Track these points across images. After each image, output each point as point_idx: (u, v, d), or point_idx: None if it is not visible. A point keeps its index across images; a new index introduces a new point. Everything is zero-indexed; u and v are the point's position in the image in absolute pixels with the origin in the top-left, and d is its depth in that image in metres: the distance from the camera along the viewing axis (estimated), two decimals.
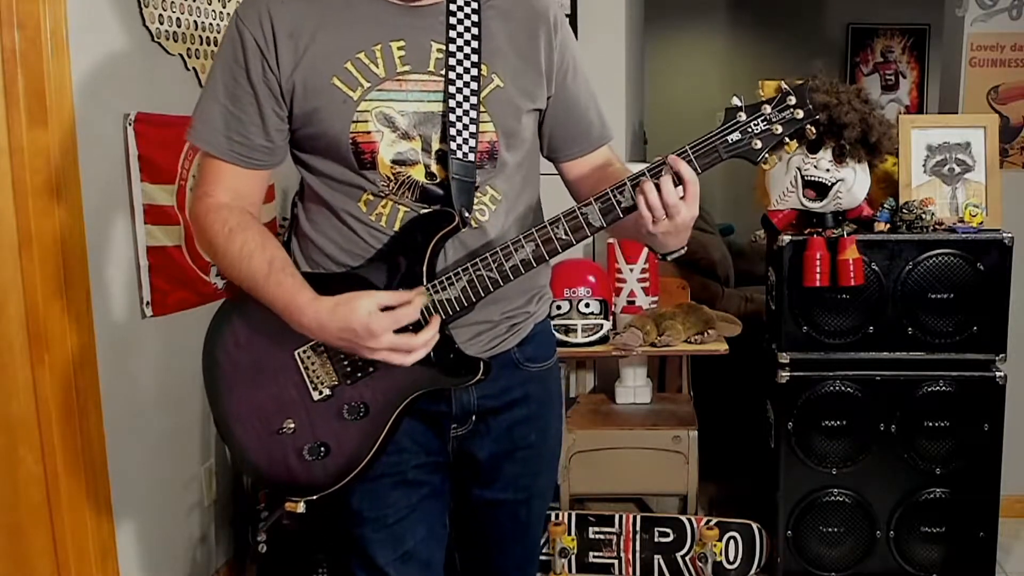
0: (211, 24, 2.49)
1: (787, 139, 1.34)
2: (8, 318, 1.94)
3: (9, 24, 1.87)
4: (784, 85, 1.34)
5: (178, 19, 2.35)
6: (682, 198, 1.30)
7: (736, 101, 1.33)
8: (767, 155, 1.34)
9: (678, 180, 1.30)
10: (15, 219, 1.92)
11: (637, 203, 1.31)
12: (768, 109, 1.32)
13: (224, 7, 2.53)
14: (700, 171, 1.32)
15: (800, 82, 1.35)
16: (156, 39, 2.26)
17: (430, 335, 1.34)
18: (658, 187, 1.29)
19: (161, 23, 2.27)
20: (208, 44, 2.48)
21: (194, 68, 2.42)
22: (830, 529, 2.64)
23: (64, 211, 1.97)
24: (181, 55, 2.37)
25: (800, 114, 1.32)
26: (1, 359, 1.94)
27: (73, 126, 1.99)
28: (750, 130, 1.32)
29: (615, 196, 1.33)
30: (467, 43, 1.39)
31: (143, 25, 2.22)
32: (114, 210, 2.15)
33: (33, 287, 1.94)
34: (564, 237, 1.35)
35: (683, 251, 1.41)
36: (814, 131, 1.34)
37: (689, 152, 1.32)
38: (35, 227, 1.93)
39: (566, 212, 1.35)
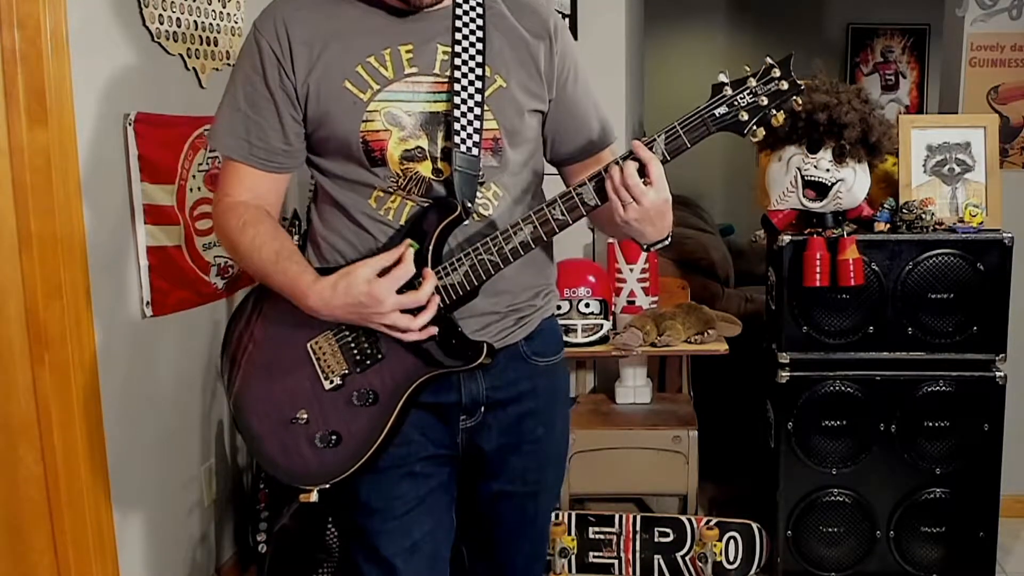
0: (211, 24, 2.49)
1: (774, 111, 1.36)
2: (8, 318, 1.94)
3: (9, 24, 1.87)
4: (769, 59, 1.37)
5: (178, 19, 2.35)
6: (647, 182, 1.34)
7: (722, 77, 1.37)
8: (755, 127, 1.37)
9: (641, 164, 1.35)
10: (15, 219, 1.92)
11: (605, 186, 1.36)
12: (753, 82, 1.36)
13: (224, 7, 2.53)
14: (689, 145, 1.36)
15: (784, 56, 1.37)
16: (156, 39, 2.26)
17: (429, 286, 1.38)
18: (622, 170, 1.34)
19: (161, 23, 2.27)
20: (208, 44, 2.48)
21: (194, 68, 2.42)
22: (830, 529, 2.64)
23: (64, 211, 1.97)
24: (181, 55, 2.37)
25: (785, 85, 1.35)
26: (1, 359, 1.95)
27: (73, 126, 1.99)
28: (736, 103, 1.36)
29: (606, 171, 1.37)
30: (472, 45, 1.44)
31: (143, 25, 2.22)
32: (114, 210, 2.15)
33: (33, 287, 1.94)
34: (560, 217, 1.40)
35: (667, 242, 1.45)
36: (800, 102, 1.38)
37: (678, 127, 1.36)
38: (35, 227, 1.93)
39: (562, 193, 1.41)
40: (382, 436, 1.45)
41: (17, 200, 1.91)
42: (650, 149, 1.35)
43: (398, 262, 1.37)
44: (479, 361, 1.44)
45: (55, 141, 1.94)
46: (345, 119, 1.41)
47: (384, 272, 1.37)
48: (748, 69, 1.38)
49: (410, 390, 1.45)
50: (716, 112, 1.36)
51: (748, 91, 1.36)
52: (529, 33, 1.51)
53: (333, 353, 1.46)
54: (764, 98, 1.36)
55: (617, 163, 1.36)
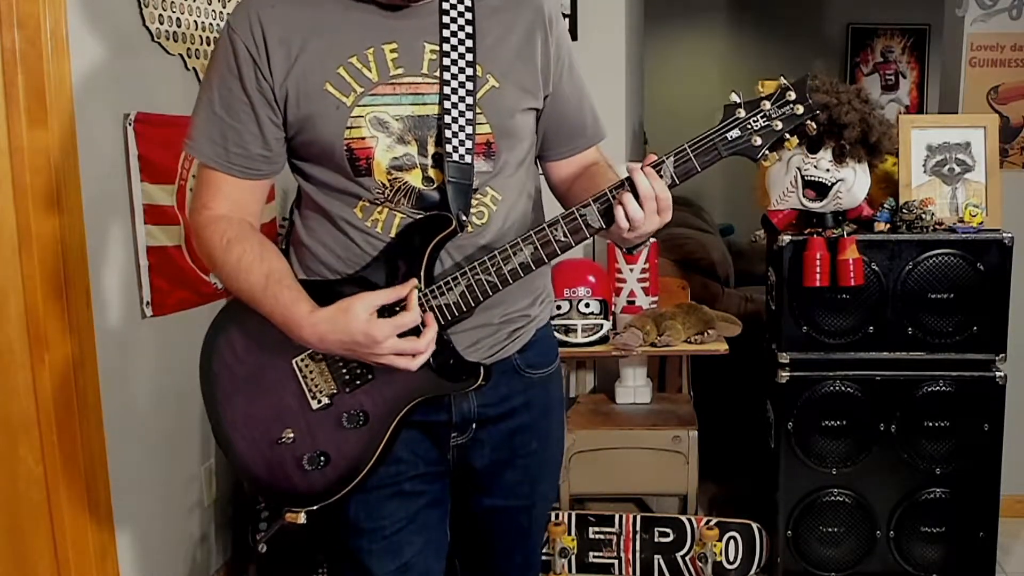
0: (211, 24, 2.49)
1: (787, 135, 1.32)
2: (8, 318, 1.94)
3: (9, 24, 1.87)
4: (784, 80, 1.32)
5: (178, 19, 2.35)
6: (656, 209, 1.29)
7: (735, 97, 1.31)
8: (767, 152, 1.32)
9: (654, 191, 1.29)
10: (15, 219, 1.92)
11: (615, 212, 1.29)
12: (767, 105, 1.30)
13: (224, 7, 2.53)
14: (700, 169, 1.31)
15: (799, 78, 1.33)
16: (156, 39, 2.26)
17: (431, 335, 1.32)
18: (635, 193, 1.28)
19: (161, 23, 2.27)
20: (208, 44, 2.48)
21: (194, 68, 2.42)
22: (830, 529, 2.63)
23: (64, 211, 1.97)
24: (181, 55, 2.37)
25: (800, 109, 1.30)
26: (1, 359, 1.94)
27: (73, 126, 1.99)
28: (749, 127, 1.30)
29: (613, 196, 1.31)
30: (461, 43, 1.36)
31: (143, 25, 2.22)
32: (114, 210, 2.15)
33: (33, 287, 1.94)
34: (563, 239, 1.33)
35: (649, 243, 1.40)
36: (814, 127, 1.33)
37: (688, 151, 1.30)
38: (35, 227, 1.93)
39: (564, 214, 1.34)
40: (373, 458, 1.39)
41: (17, 200, 1.91)
42: (658, 171, 1.30)
43: (403, 305, 1.31)
44: (476, 384, 1.38)
45: (55, 141, 1.94)
46: (328, 124, 1.33)
47: (383, 309, 1.30)
48: (762, 89, 1.33)
49: (403, 412, 1.39)
50: (728, 135, 1.30)
51: (762, 114, 1.30)
52: (524, 24, 1.42)
53: (320, 371, 1.39)
54: (779, 122, 1.30)
55: (623, 186, 1.30)
